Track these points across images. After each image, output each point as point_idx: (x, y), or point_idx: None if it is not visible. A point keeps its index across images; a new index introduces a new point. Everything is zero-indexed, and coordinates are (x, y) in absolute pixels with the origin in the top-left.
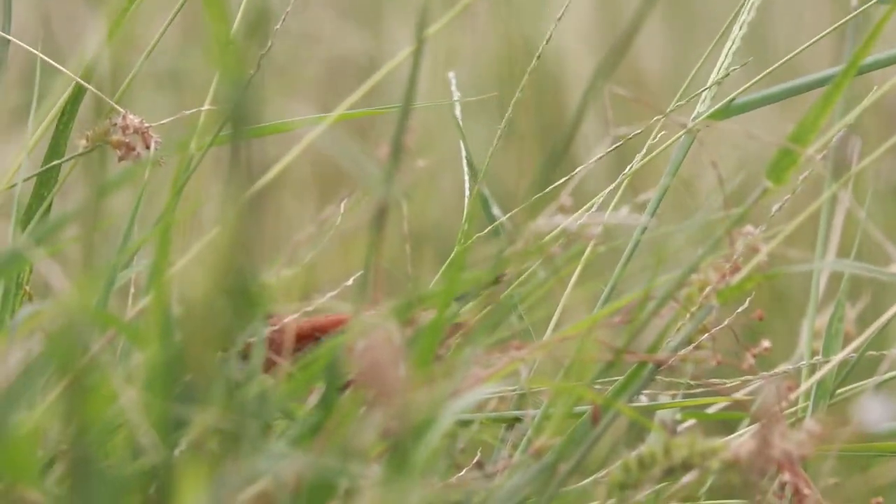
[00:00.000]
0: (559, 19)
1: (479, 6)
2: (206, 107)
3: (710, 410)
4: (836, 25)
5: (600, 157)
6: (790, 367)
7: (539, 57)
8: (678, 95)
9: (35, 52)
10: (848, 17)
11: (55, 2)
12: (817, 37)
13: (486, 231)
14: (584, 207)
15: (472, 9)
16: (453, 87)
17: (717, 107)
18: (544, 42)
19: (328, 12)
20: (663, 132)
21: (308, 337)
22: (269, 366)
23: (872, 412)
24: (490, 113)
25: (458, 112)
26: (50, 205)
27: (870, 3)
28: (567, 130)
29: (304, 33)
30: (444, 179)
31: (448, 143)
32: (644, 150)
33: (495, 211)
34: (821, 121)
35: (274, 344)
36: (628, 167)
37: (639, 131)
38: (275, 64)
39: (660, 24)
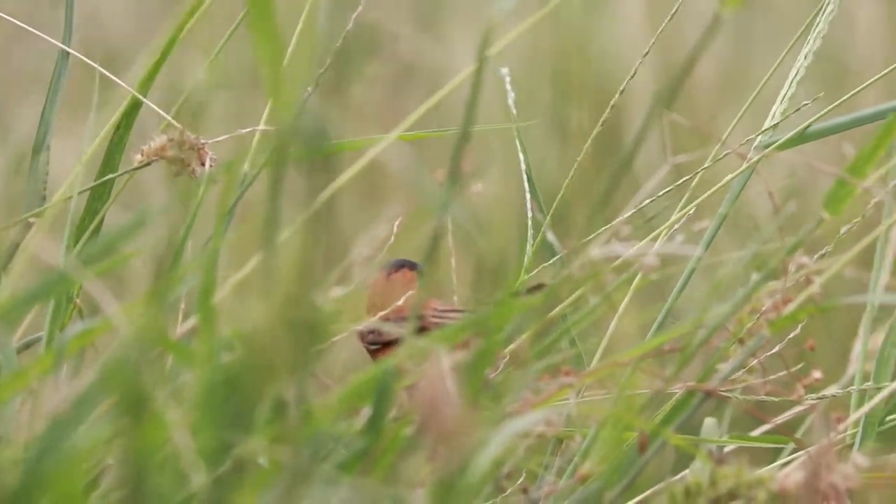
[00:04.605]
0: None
1: (531, 9)
2: (261, 126)
3: (755, 433)
4: None
5: (660, 192)
6: (838, 391)
7: (592, 61)
8: (736, 119)
9: (93, 64)
10: None
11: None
12: (885, 70)
13: (535, 249)
14: (646, 239)
15: (524, 12)
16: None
17: (785, 137)
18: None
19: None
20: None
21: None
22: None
23: None
24: (544, 109)
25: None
26: (102, 218)
27: None
28: (625, 156)
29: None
30: (494, 183)
31: (501, 145)
32: (701, 179)
33: (550, 236)
34: (879, 152)
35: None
36: (685, 197)
37: (706, 167)
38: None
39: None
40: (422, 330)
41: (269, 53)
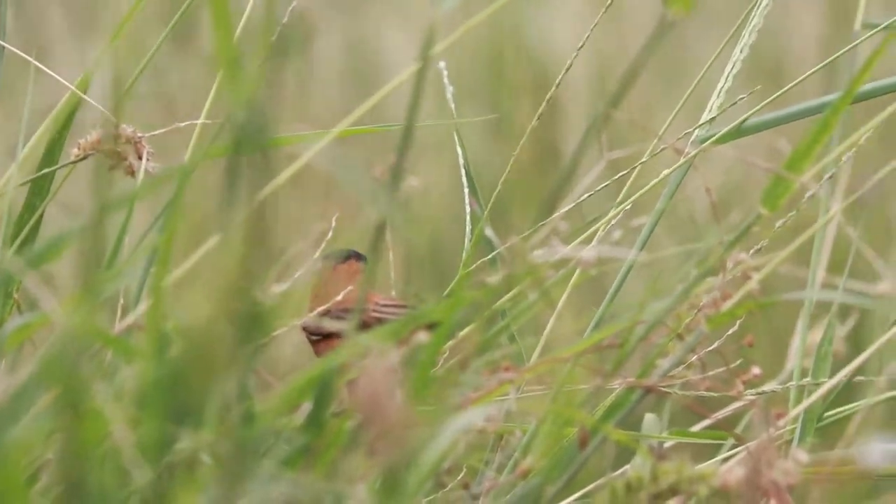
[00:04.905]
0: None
1: (469, 5)
2: (200, 119)
3: (695, 428)
4: (836, 55)
5: (598, 187)
6: (777, 387)
7: (528, 51)
8: (673, 114)
9: (30, 59)
10: (847, 47)
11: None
12: (820, 64)
13: (473, 244)
14: (584, 235)
15: (463, 6)
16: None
17: (722, 132)
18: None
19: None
20: (665, 151)
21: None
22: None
23: (873, 455)
24: (481, 101)
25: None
26: (41, 214)
27: (871, 34)
28: (566, 170)
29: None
30: (429, 176)
31: (437, 138)
32: (639, 172)
33: (488, 231)
34: (816, 148)
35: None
36: (623, 192)
37: (643, 161)
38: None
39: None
40: (363, 324)
41: (226, 45)
